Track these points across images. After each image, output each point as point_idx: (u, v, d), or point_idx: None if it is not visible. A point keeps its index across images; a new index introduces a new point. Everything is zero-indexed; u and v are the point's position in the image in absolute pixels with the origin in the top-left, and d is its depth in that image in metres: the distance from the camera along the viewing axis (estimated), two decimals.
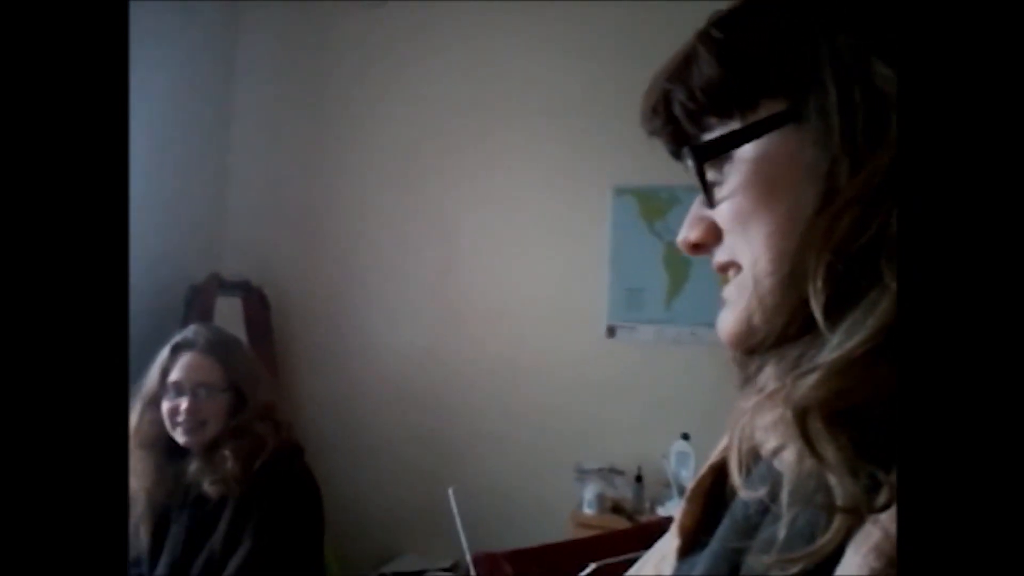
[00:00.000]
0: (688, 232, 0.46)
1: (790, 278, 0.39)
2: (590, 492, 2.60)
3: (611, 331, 2.87)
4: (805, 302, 0.38)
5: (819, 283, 0.38)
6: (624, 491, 2.65)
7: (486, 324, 3.04)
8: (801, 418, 0.36)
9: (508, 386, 2.98)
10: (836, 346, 0.36)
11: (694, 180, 0.45)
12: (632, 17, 2.82)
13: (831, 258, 0.37)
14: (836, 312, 0.37)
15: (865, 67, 0.38)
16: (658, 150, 0.50)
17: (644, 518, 2.49)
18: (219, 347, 1.57)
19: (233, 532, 1.43)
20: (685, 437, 2.54)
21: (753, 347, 0.43)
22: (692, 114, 0.45)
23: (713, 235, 0.45)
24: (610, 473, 2.68)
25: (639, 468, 2.66)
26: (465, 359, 3.05)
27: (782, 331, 0.40)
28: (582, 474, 2.70)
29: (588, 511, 2.58)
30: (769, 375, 0.43)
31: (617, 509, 2.59)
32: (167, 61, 2.98)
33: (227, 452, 1.46)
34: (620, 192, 2.85)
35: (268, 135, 3.41)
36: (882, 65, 0.37)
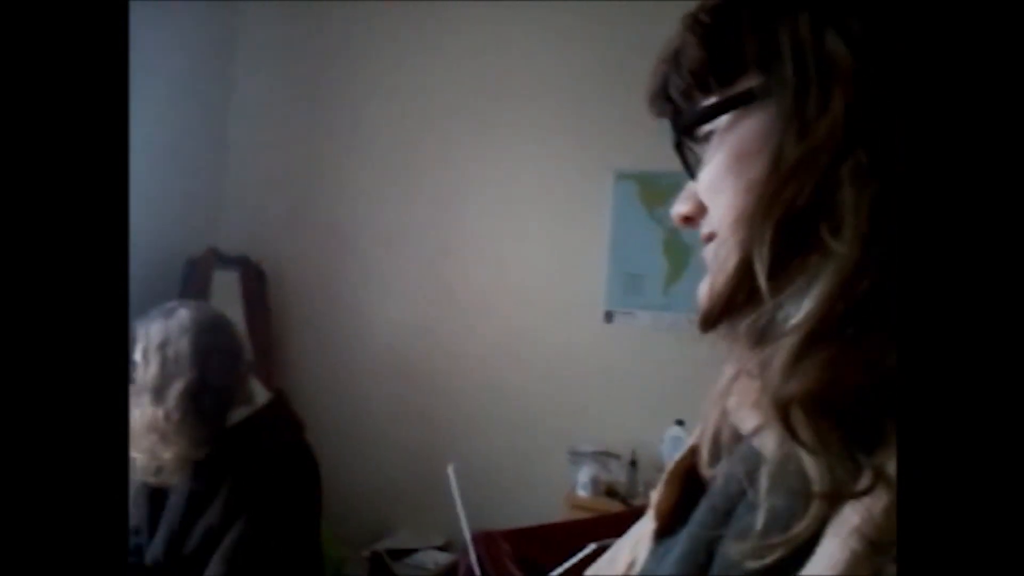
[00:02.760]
0: (679, 205, 0.49)
1: (739, 244, 0.41)
2: (584, 475, 2.61)
3: (608, 316, 2.87)
4: (752, 268, 0.40)
5: (764, 249, 0.39)
6: (618, 475, 2.66)
7: (484, 306, 3.04)
8: (782, 406, 0.37)
9: (504, 368, 2.99)
10: (785, 317, 0.38)
11: (682, 154, 0.48)
12: (633, 2, 2.79)
13: (775, 224, 0.39)
14: (780, 278, 0.39)
15: (820, 42, 0.39)
16: (660, 135, 0.51)
17: (638, 502, 2.51)
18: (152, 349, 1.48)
19: (231, 506, 1.42)
20: (680, 423, 2.55)
21: (715, 316, 0.44)
22: (684, 94, 0.47)
23: (700, 207, 0.47)
24: (605, 456, 2.70)
25: (634, 452, 2.67)
26: (462, 340, 3.06)
27: (730, 298, 0.42)
28: (576, 457, 2.71)
29: (582, 493, 2.60)
30: (740, 350, 0.43)
31: (611, 492, 2.61)
32: (167, 38, 2.95)
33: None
34: (621, 177, 2.84)
35: (267, 110, 3.39)
36: (835, 39, 0.39)
